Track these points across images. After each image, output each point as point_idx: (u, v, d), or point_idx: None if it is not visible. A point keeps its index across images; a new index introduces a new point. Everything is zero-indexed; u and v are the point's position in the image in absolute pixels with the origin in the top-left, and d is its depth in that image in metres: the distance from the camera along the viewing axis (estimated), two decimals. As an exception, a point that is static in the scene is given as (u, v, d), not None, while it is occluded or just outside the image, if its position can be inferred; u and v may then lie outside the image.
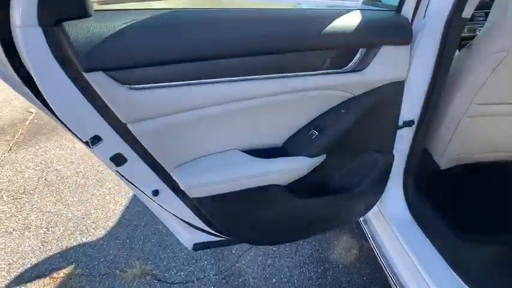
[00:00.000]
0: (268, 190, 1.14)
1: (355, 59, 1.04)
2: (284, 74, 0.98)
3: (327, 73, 1.03)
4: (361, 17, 0.99)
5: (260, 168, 1.09)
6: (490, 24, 1.27)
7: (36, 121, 3.43)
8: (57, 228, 2.19)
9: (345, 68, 1.05)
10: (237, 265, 1.90)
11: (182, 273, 1.87)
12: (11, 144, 3.04)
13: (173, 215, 1.17)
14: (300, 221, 1.34)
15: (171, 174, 1.03)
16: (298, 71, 0.99)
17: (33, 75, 0.73)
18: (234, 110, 0.98)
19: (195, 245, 1.34)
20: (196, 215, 1.18)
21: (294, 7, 1.11)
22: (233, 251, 1.98)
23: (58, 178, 2.63)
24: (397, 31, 1.05)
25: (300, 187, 1.22)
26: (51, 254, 2.00)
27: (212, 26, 0.85)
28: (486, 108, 1.38)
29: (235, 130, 1.06)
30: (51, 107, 0.78)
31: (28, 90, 0.81)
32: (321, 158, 1.17)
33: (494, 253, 1.35)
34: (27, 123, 3.40)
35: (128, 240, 2.08)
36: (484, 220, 1.51)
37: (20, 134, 3.21)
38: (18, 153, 2.92)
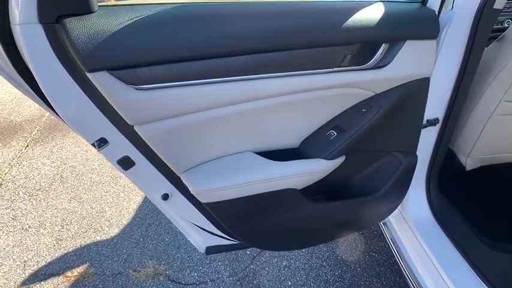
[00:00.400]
0: (283, 194, 1.08)
1: (377, 54, 0.97)
2: (301, 72, 0.91)
3: (347, 70, 0.96)
4: (384, 10, 0.92)
5: (275, 172, 1.03)
6: None
7: (52, 117, 3.45)
8: (71, 225, 2.19)
9: (367, 64, 0.98)
10: (252, 267, 1.85)
11: (195, 274, 1.84)
12: (28, 141, 3.07)
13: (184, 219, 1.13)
14: (317, 226, 1.28)
15: (181, 178, 0.98)
16: (316, 68, 0.93)
17: (34, 75, 0.69)
18: (247, 110, 0.92)
19: (207, 248, 1.30)
20: (209, 220, 1.14)
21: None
22: (247, 252, 1.93)
23: (73, 175, 2.64)
24: (423, 24, 0.97)
25: (318, 190, 1.16)
26: (65, 252, 2.01)
27: (226, 21, 0.80)
28: None
29: (249, 131, 1.00)
30: (54, 107, 0.74)
31: (32, 91, 0.77)
32: (339, 160, 1.11)
33: None
34: (44, 119, 3.43)
35: (141, 239, 2.07)
36: (510, 224, 1.43)
37: (37, 130, 3.24)
38: (34, 149, 2.95)
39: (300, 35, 0.85)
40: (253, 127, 0.99)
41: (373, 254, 1.89)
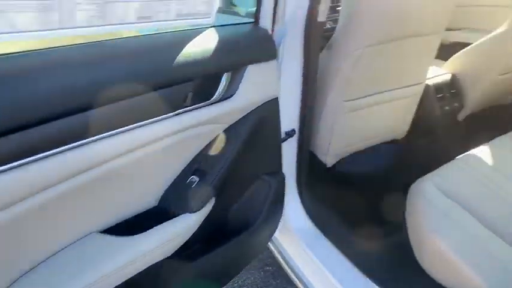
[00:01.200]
0: (151, 272, 0.87)
1: (221, 86, 0.87)
2: (137, 124, 0.74)
3: (192, 109, 0.83)
4: (217, 36, 0.82)
5: (132, 252, 0.80)
6: (342, 24, 1.30)
7: None
8: None
9: (213, 98, 0.87)
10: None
11: None
12: None
13: None
14: (203, 282, 1.13)
15: None
16: (155, 115, 0.77)
17: None
18: (75, 186, 0.69)
19: None
20: None
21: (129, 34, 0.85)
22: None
23: None
24: (260, 46, 0.92)
25: (192, 247, 1.00)
26: None
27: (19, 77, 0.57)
28: (353, 103, 1.42)
29: (87, 208, 0.76)
30: None
31: None
32: (209, 206, 0.98)
33: (387, 245, 1.39)
34: None
35: None
36: (372, 210, 1.55)
37: None
38: None
39: (118, 82, 0.67)
40: (92, 202, 0.76)
41: (267, 268, 1.85)
